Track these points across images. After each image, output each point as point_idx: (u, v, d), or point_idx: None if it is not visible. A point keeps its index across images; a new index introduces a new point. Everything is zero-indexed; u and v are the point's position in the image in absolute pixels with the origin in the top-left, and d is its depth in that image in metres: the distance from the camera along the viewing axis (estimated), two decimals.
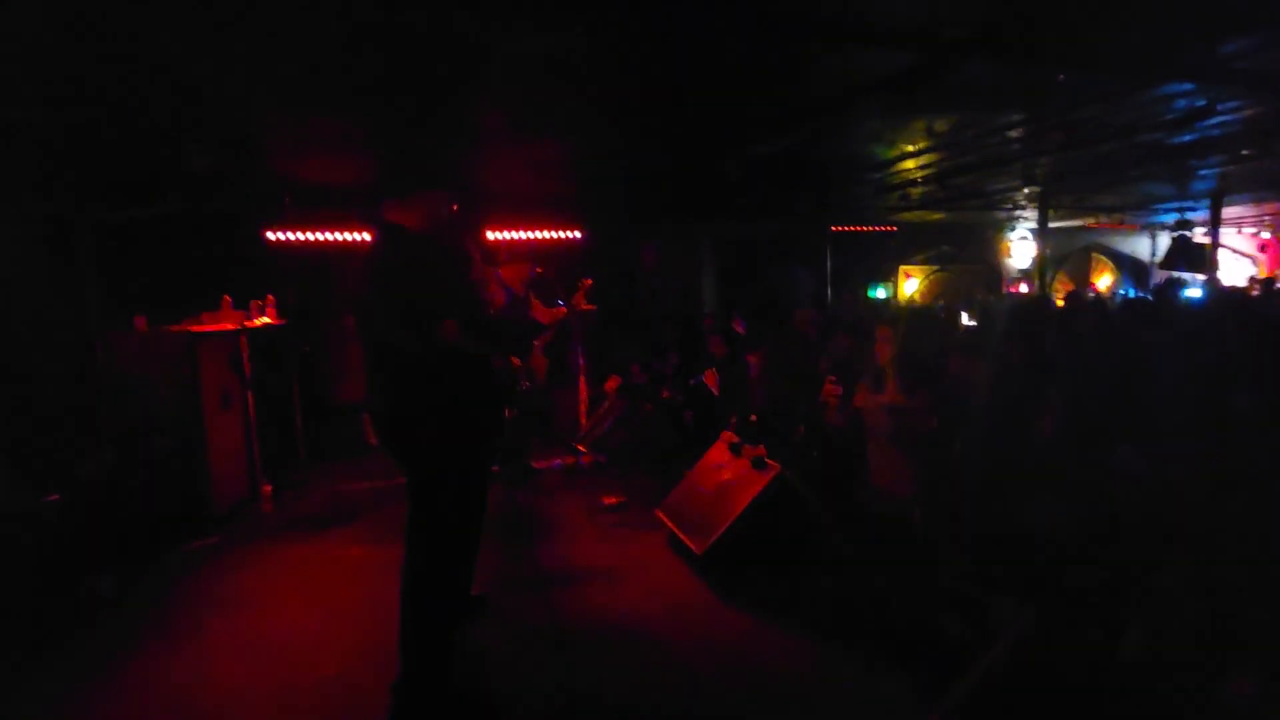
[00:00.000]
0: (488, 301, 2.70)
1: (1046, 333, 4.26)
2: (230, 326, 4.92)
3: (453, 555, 2.63)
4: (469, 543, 2.79)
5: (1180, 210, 8.63)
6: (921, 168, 6.12)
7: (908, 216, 8.85)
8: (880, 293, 10.13)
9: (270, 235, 6.36)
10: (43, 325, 4.63)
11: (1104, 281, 11.32)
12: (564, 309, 5.38)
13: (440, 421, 2.44)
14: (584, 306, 5.59)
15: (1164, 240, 10.06)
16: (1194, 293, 7.70)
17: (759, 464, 3.67)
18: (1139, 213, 9.46)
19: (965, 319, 7.28)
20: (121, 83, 3.28)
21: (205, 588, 3.62)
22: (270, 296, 5.60)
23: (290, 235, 6.48)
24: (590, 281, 5.51)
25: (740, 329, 6.15)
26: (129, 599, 3.48)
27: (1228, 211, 8.74)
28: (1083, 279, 11.02)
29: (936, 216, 8.92)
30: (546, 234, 7.21)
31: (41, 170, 4.52)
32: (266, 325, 5.40)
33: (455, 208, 2.70)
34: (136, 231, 5.38)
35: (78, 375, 4.73)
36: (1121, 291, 10.96)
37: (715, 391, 5.54)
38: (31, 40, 2.72)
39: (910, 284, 10.48)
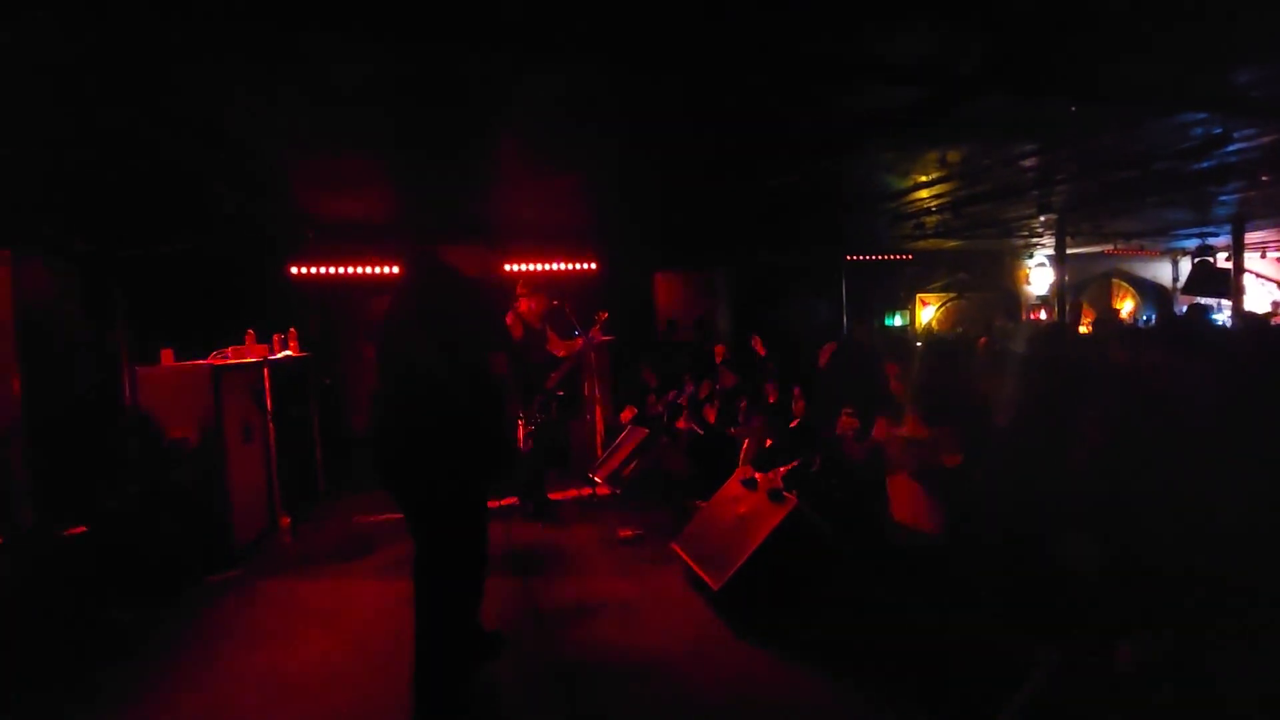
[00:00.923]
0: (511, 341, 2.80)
1: (1076, 359, 4.20)
2: (253, 359, 5.01)
3: (462, 591, 2.62)
4: (477, 577, 2.78)
5: (1202, 235, 8.54)
6: (935, 197, 6.13)
7: (923, 244, 8.84)
8: (896, 320, 10.08)
9: (293, 270, 6.52)
10: (73, 360, 4.75)
11: (1126, 307, 11.17)
12: (580, 341, 5.44)
13: (450, 451, 2.47)
14: (600, 338, 5.64)
15: (1186, 265, 9.94)
16: (1218, 318, 7.57)
17: (776, 497, 3.64)
18: (1159, 238, 9.37)
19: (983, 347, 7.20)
20: (154, 129, 3.41)
21: (226, 620, 3.64)
22: (293, 330, 5.71)
23: (312, 269, 6.64)
24: (605, 314, 5.56)
25: (761, 349, 6.16)
26: (151, 630, 3.50)
27: (1250, 236, 8.63)
28: (1104, 305, 10.90)
29: (952, 244, 8.90)
30: (563, 266, 7.30)
31: (74, 210, 4.68)
32: (288, 358, 5.50)
33: (498, 263, 2.89)
34: (163, 267, 5.53)
35: (106, 408, 4.82)
36: (1144, 317, 10.81)
37: (711, 421, 5.53)
38: (69, 90, 2.84)
39: (927, 312, 10.42)
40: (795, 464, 4.04)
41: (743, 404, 5.46)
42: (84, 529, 3.84)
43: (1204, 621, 2.24)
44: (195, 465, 4.39)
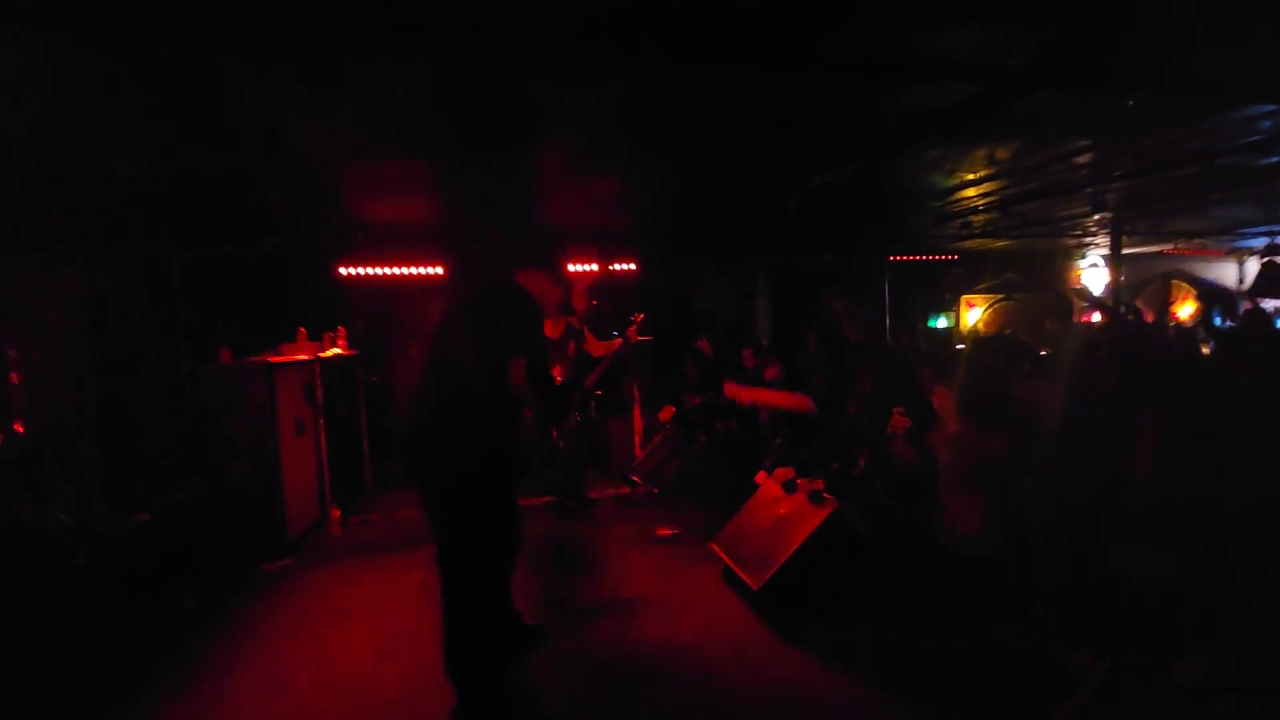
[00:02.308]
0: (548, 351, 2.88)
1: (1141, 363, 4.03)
2: (305, 357, 5.19)
3: (484, 583, 2.69)
4: (499, 573, 2.84)
5: (1270, 234, 8.12)
6: (983, 196, 5.98)
7: (969, 245, 8.62)
8: (941, 323, 9.86)
9: (342, 270, 6.72)
10: (140, 359, 4.99)
11: (1185, 310, 10.69)
12: (619, 340, 5.48)
13: (468, 451, 2.57)
14: (637, 338, 5.67)
15: (1252, 266, 9.47)
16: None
17: (815, 499, 3.61)
18: (1223, 237, 8.95)
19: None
20: (216, 140, 3.57)
21: (279, 608, 3.79)
22: (341, 328, 5.90)
23: (360, 270, 6.84)
24: (642, 315, 5.60)
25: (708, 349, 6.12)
26: (211, 616, 3.68)
27: None
28: (1162, 307, 10.44)
29: (1000, 244, 8.66)
30: (597, 267, 7.35)
31: (142, 216, 4.93)
32: (338, 355, 5.67)
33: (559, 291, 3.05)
34: (222, 268, 5.77)
35: (169, 405, 5.06)
36: (1213, 320, 10.32)
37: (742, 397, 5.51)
38: (135, 106, 3.00)
39: (973, 314, 10.15)
40: (835, 466, 4.00)
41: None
42: (150, 519, 4.04)
43: (1270, 636, 2.15)
44: (252, 459, 4.58)
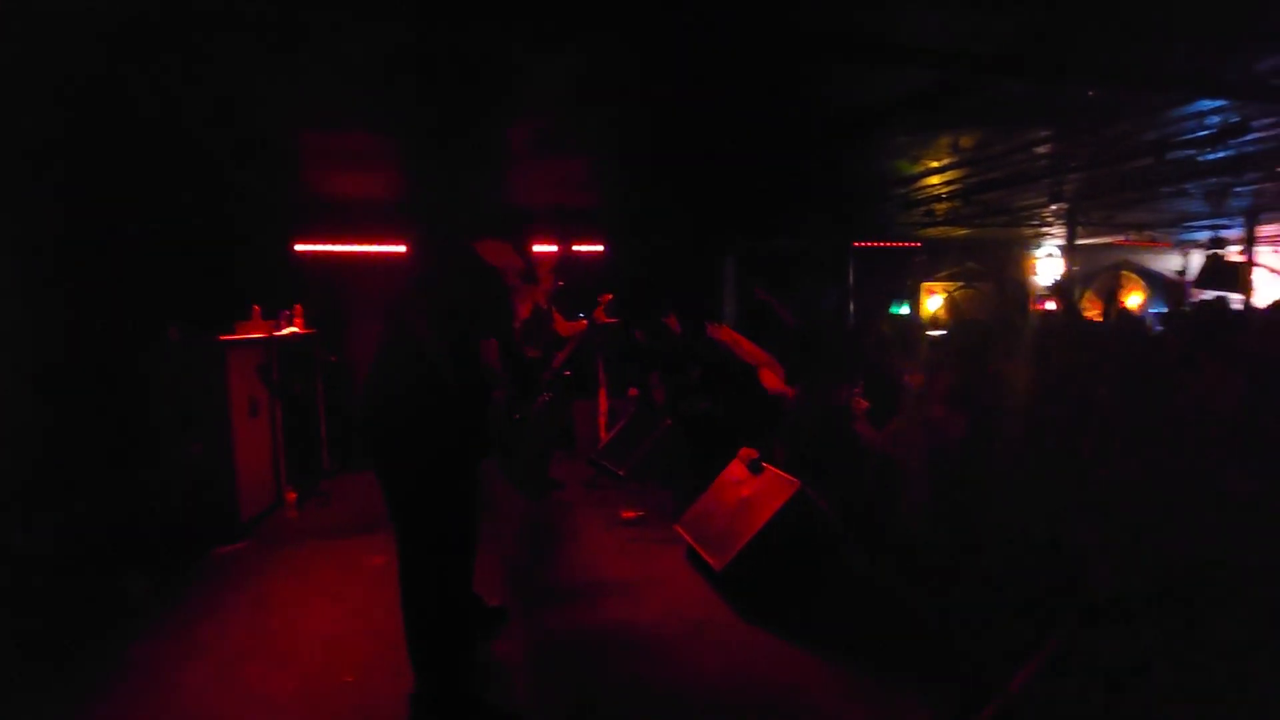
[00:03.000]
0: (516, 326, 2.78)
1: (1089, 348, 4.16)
2: (259, 335, 5.02)
3: (444, 565, 2.62)
4: (464, 552, 2.79)
5: (1214, 228, 8.45)
6: (946, 184, 6.09)
7: (931, 233, 8.78)
8: (904, 310, 10.04)
9: (299, 247, 6.51)
10: (84, 336, 4.76)
11: (1134, 300, 11.08)
12: (585, 322, 5.43)
13: (429, 431, 2.48)
14: (604, 320, 5.63)
15: (1197, 258, 9.85)
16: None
17: (779, 480, 3.64)
18: (1171, 230, 9.28)
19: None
20: (161, 101, 3.39)
21: (231, 592, 3.68)
22: (298, 306, 5.72)
23: (318, 247, 6.63)
24: (610, 296, 5.55)
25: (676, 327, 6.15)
26: (161, 601, 3.55)
27: (1264, 229, 8.54)
28: (1111, 297, 10.81)
29: (961, 232, 8.84)
30: (569, 247, 7.26)
31: (82, 184, 4.68)
32: (294, 335, 5.50)
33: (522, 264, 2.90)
34: (171, 242, 5.53)
35: (113, 383, 4.85)
36: (1153, 310, 10.73)
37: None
38: (70, 56, 2.82)
39: (933, 300, 10.37)
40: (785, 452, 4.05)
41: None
42: (94, 503, 3.89)
43: (1205, 616, 2.25)
44: (203, 440, 4.42)
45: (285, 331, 5.40)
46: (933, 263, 10.14)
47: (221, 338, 4.66)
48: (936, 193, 6.38)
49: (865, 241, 9.18)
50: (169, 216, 5.49)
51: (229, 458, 4.49)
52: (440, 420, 2.49)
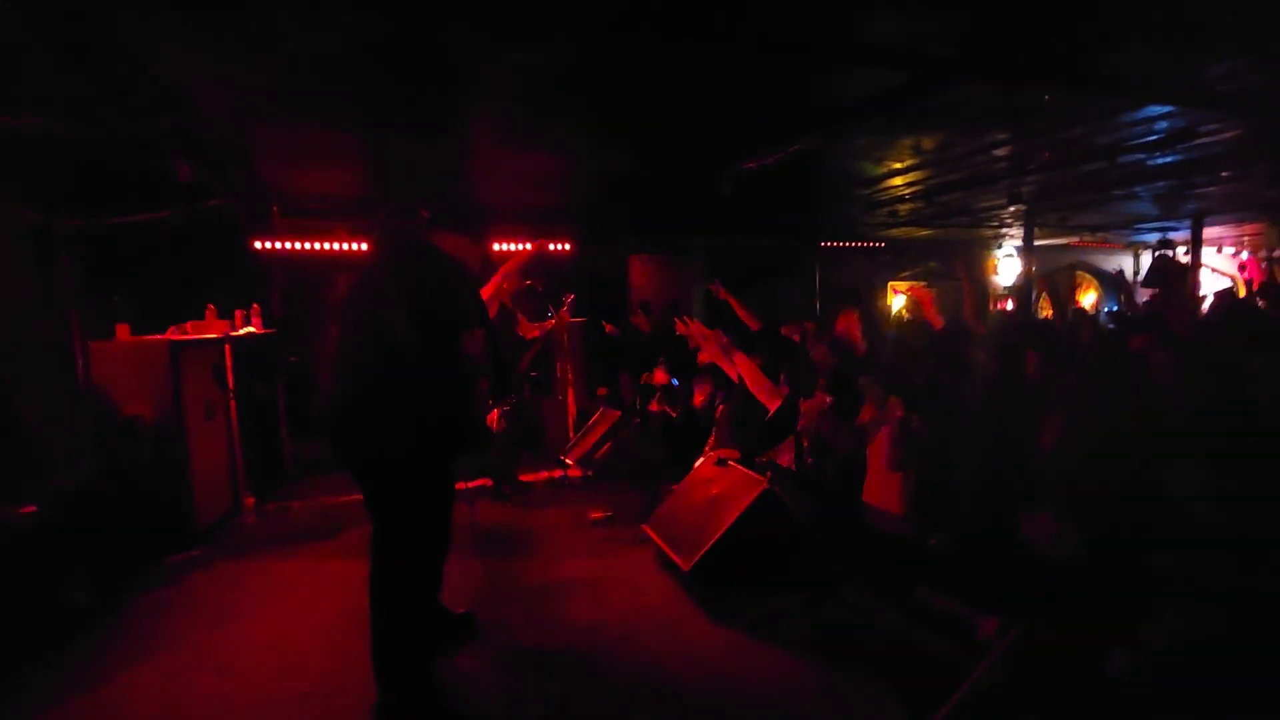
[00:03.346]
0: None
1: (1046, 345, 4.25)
2: (214, 335, 4.87)
3: (419, 571, 2.57)
4: (436, 558, 2.74)
5: (1163, 230, 8.77)
6: (909, 185, 6.19)
7: (896, 233, 8.94)
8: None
9: (257, 244, 6.32)
10: (23, 334, 4.55)
11: (1088, 299, 11.45)
12: (551, 321, 5.39)
13: (413, 427, 2.41)
14: (569, 319, 5.58)
15: (1147, 259, 10.21)
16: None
17: (747, 478, 3.65)
18: (1123, 231, 9.61)
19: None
20: (108, 90, 3.25)
21: (186, 601, 3.55)
22: (256, 306, 5.55)
23: (277, 244, 6.44)
24: (573, 296, 5.51)
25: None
26: (107, 612, 3.40)
27: (1209, 232, 8.89)
28: (1067, 296, 11.15)
29: (924, 233, 9.01)
30: (535, 246, 7.19)
31: (24, 177, 4.47)
32: (251, 334, 5.34)
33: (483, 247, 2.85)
34: (120, 239, 5.31)
35: (58, 384, 4.64)
36: (1106, 309, 11.09)
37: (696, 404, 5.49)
38: (13, 45, 2.69)
39: (898, 300, 10.56)
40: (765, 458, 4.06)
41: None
42: (34, 509, 3.70)
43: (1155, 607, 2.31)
44: (153, 443, 4.26)
45: (242, 331, 5.24)
46: (896, 263, 10.33)
47: (174, 337, 4.51)
48: (900, 193, 6.49)
49: (831, 241, 9.29)
50: (115, 210, 5.27)
51: (182, 462, 4.34)
52: (417, 412, 2.40)
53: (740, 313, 5.74)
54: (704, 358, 5.30)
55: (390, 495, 2.48)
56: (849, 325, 4.32)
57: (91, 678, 2.82)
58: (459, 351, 2.47)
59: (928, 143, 4.91)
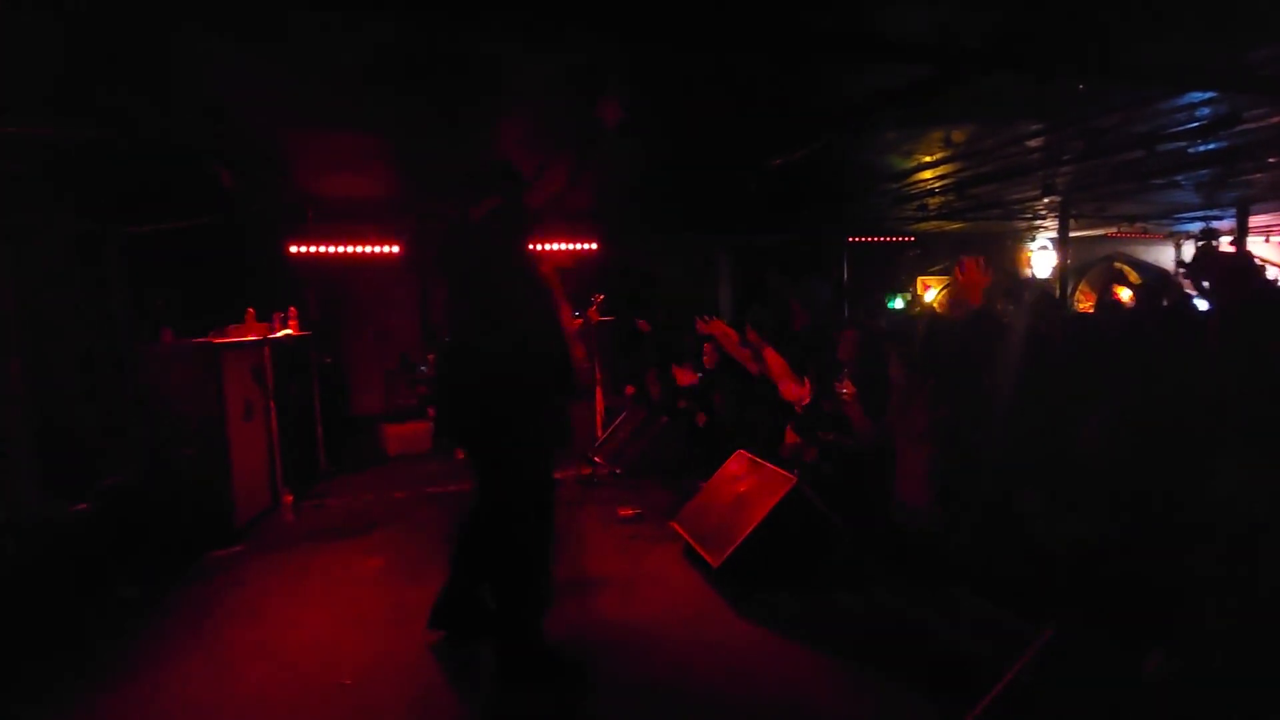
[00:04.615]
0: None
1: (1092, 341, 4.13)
2: (254, 337, 5.01)
3: (521, 540, 2.73)
4: (538, 534, 2.84)
5: (1205, 219, 8.49)
6: (939, 178, 6.09)
7: (925, 226, 8.79)
8: (898, 303, 10.05)
9: (292, 248, 6.49)
10: (74, 338, 4.74)
11: (1127, 292, 11.11)
12: (580, 321, 5.43)
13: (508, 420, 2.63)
14: (598, 319, 5.61)
15: (1189, 249, 9.89)
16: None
17: (776, 476, 3.64)
18: (1163, 221, 9.31)
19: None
20: (149, 101, 3.38)
21: (228, 596, 3.67)
22: (292, 308, 5.70)
23: (312, 248, 6.61)
24: (603, 296, 5.54)
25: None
26: (154, 607, 3.53)
27: (1255, 220, 8.57)
28: (1106, 289, 10.85)
29: (955, 226, 8.85)
30: (562, 246, 7.26)
31: (73, 186, 4.65)
32: (289, 336, 5.49)
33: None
34: (163, 245, 5.50)
35: (107, 387, 4.83)
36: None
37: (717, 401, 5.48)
38: (60, 58, 2.81)
39: (929, 294, 10.39)
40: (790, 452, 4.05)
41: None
42: (87, 506, 3.86)
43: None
44: (197, 443, 4.40)
45: (280, 333, 5.39)
46: (927, 257, 10.16)
47: (215, 340, 4.65)
48: (929, 187, 6.38)
49: (860, 237, 9.18)
50: (162, 218, 5.46)
51: (224, 461, 4.47)
52: (513, 413, 2.62)
53: (794, 306, 5.74)
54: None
55: (493, 479, 2.75)
56: (848, 346, 4.15)
57: (140, 666, 2.93)
58: (562, 356, 2.69)
59: (958, 135, 4.83)
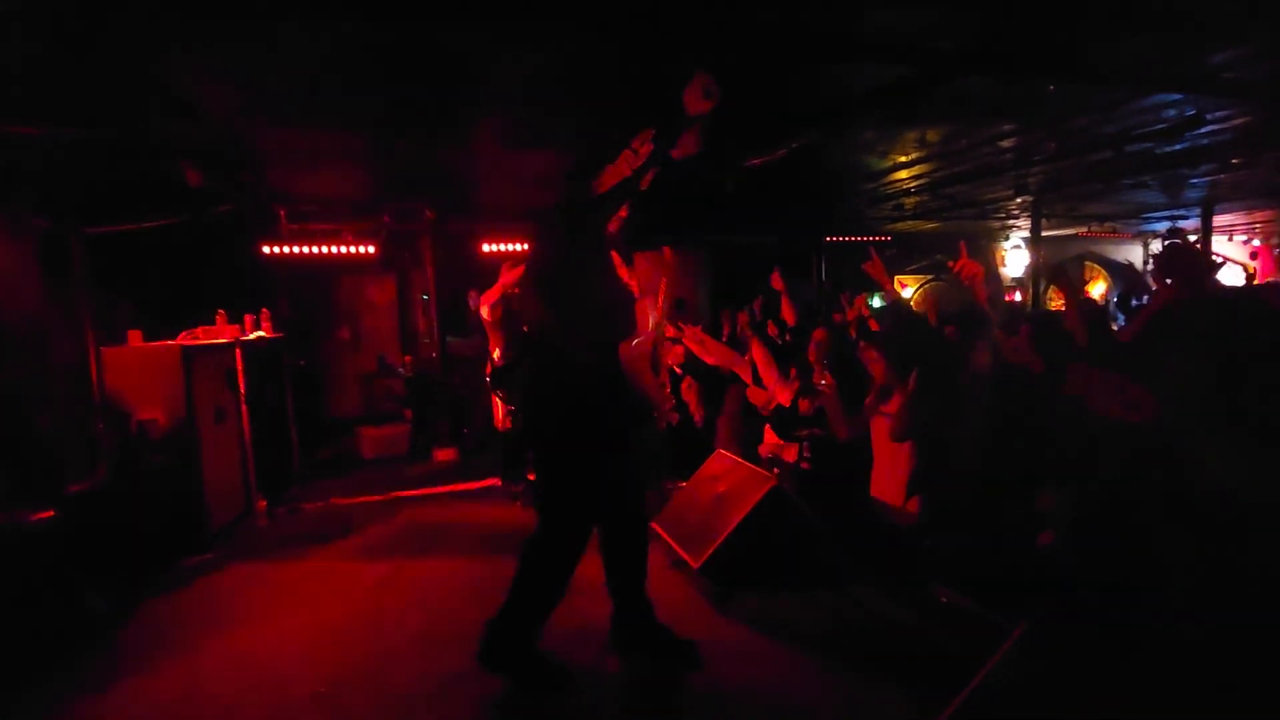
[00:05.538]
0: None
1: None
2: (225, 340, 4.91)
3: (561, 551, 2.77)
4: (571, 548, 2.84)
5: (1172, 218, 8.70)
6: (915, 178, 6.17)
7: (901, 226, 8.90)
8: (875, 302, 10.15)
9: (265, 249, 6.37)
10: (38, 340, 4.60)
11: (1097, 290, 11.37)
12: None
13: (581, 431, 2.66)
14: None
15: (1156, 248, 10.13)
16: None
17: (755, 476, 3.66)
18: (1131, 221, 9.53)
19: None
20: (116, 97, 3.29)
21: (199, 604, 3.59)
22: (265, 310, 5.60)
23: (285, 249, 6.49)
24: None
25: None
26: (123, 615, 3.45)
27: (1219, 219, 8.80)
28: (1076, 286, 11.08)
29: (930, 226, 8.97)
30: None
31: (36, 185, 4.52)
32: (261, 339, 5.39)
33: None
34: (131, 246, 5.37)
35: (73, 391, 4.69)
36: (1114, 298, 11.01)
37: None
38: (24, 52, 2.73)
39: (905, 293, 10.52)
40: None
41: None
42: (52, 513, 3.75)
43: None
44: (166, 448, 4.30)
45: (252, 336, 5.29)
46: (903, 257, 10.28)
47: (185, 342, 4.55)
48: (905, 187, 6.46)
49: (836, 236, 9.26)
50: (126, 217, 5.33)
51: (195, 466, 4.38)
52: (587, 425, 2.63)
53: (785, 304, 5.76)
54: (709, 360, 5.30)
55: (555, 487, 2.78)
56: (818, 346, 4.16)
57: (107, 680, 2.85)
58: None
59: (933, 135, 4.89)
